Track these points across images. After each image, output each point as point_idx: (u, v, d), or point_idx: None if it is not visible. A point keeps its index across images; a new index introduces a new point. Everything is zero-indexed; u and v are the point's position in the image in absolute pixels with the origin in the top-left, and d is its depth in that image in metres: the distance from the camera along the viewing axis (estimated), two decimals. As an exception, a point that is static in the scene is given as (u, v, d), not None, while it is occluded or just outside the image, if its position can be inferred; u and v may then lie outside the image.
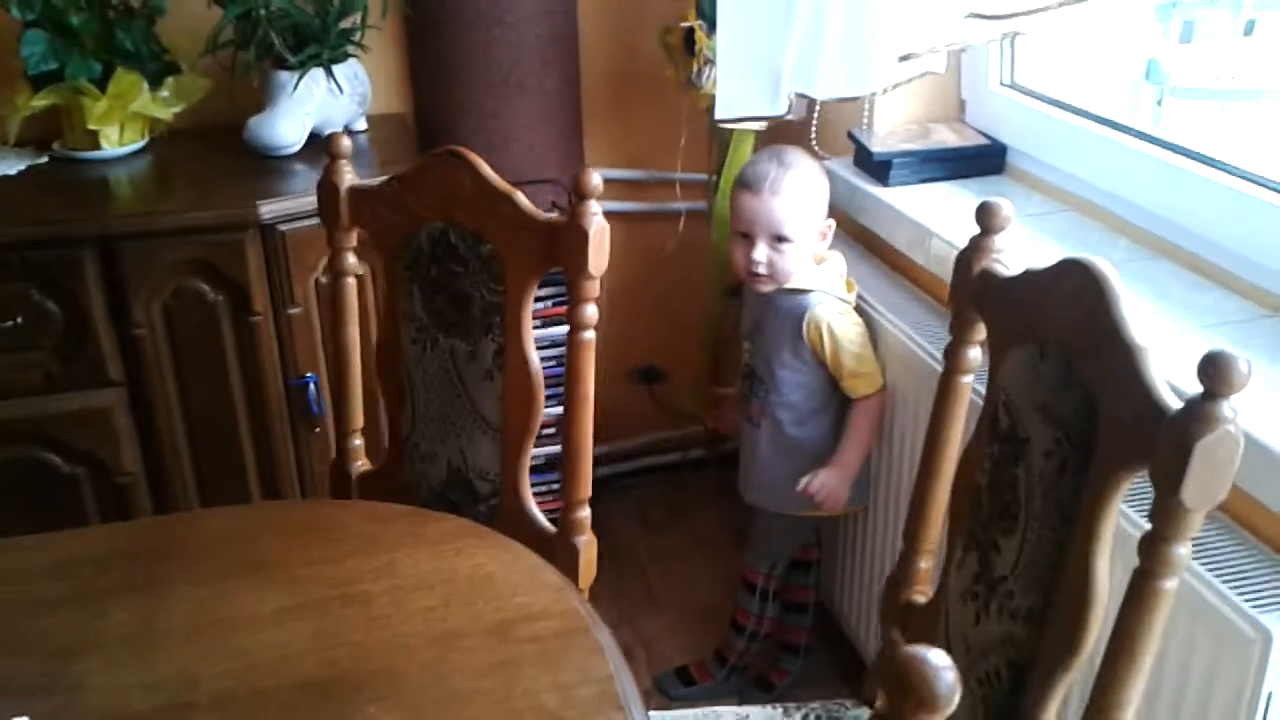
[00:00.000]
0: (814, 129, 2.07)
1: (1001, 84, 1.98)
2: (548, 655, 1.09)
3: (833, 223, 1.85)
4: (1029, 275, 1.11)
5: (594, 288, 1.35)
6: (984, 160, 1.96)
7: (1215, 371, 0.86)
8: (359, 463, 1.59)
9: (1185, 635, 1.22)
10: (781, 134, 2.28)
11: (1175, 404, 0.90)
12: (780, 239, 1.79)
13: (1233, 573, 1.21)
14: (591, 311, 1.36)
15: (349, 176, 1.49)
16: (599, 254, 1.32)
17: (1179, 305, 1.48)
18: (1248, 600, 1.16)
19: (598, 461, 2.61)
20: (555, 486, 2.25)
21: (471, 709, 1.03)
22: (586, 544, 1.42)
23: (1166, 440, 0.89)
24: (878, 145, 1.97)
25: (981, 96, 2.01)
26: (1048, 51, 1.96)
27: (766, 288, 1.83)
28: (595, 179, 1.31)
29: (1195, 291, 1.52)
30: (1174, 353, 1.35)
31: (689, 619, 2.30)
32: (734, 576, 2.12)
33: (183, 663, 1.08)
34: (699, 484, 2.63)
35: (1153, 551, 0.92)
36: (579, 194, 1.31)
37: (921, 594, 1.32)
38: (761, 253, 1.80)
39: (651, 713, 1.42)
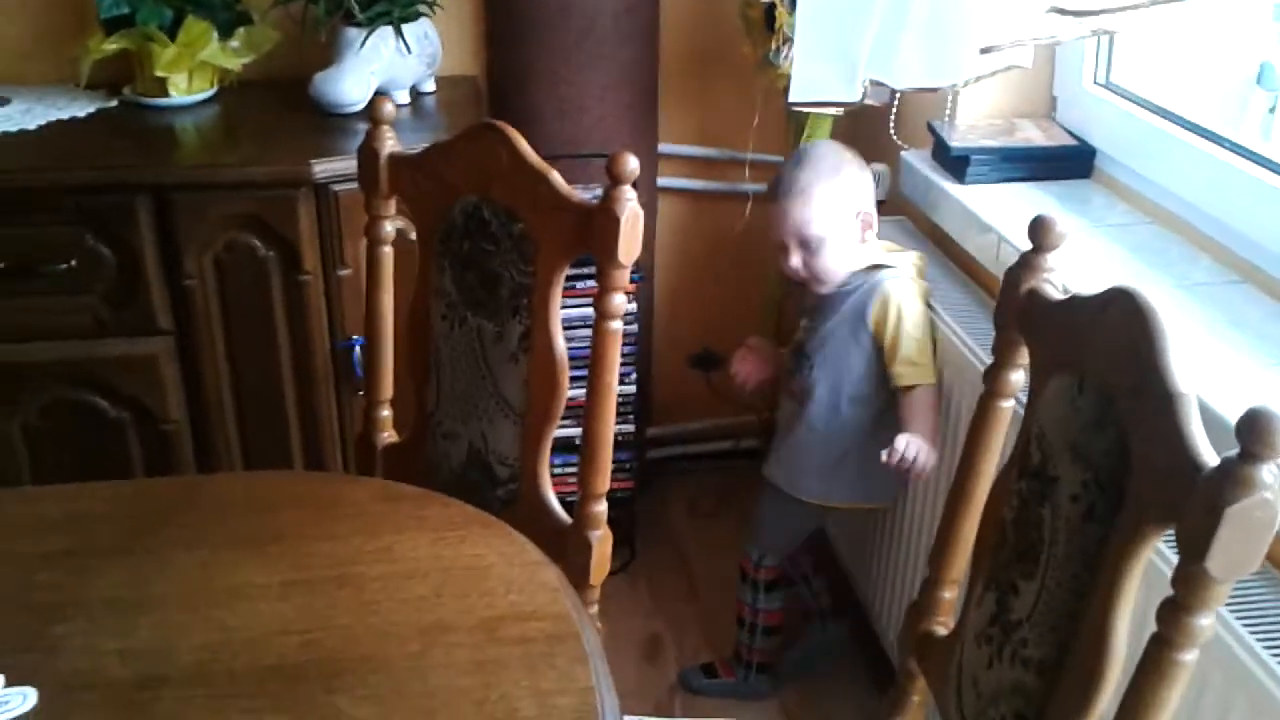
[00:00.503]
0: (893, 117, 1.97)
1: (1096, 83, 1.87)
2: (532, 659, 1.05)
3: (872, 214, 1.75)
4: (1075, 301, 1.02)
5: (624, 276, 1.29)
6: (1070, 163, 1.85)
7: (1255, 431, 0.77)
8: (385, 434, 1.56)
9: (1219, 699, 1.14)
10: (859, 120, 2.20)
11: (1212, 461, 0.82)
12: (807, 242, 1.73)
13: (1277, 634, 1.11)
14: (620, 300, 1.30)
15: (390, 143, 1.45)
16: (630, 241, 1.27)
17: (1255, 336, 1.38)
18: (1292, 670, 1.07)
19: (651, 444, 2.58)
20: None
21: (446, 710, 1.00)
22: (601, 539, 1.38)
23: (1196, 501, 0.81)
24: (957, 139, 1.87)
25: (1074, 95, 1.90)
26: (1150, 51, 1.84)
27: (822, 290, 1.77)
28: (632, 163, 1.26)
29: (1275, 322, 1.41)
30: (1237, 390, 1.26)
31: (725, 613, 2.24)
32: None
33: (164, 632, 1.07)
34: (751, 474, 2.56)
35: (1172, 620, 0.84)
36: (614, 178, 1.26)
37: (942, 625, 1.25)
38: (796, 259, 1.75)
39: (631, 718, 1.38)
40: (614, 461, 2.24)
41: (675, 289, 2.53)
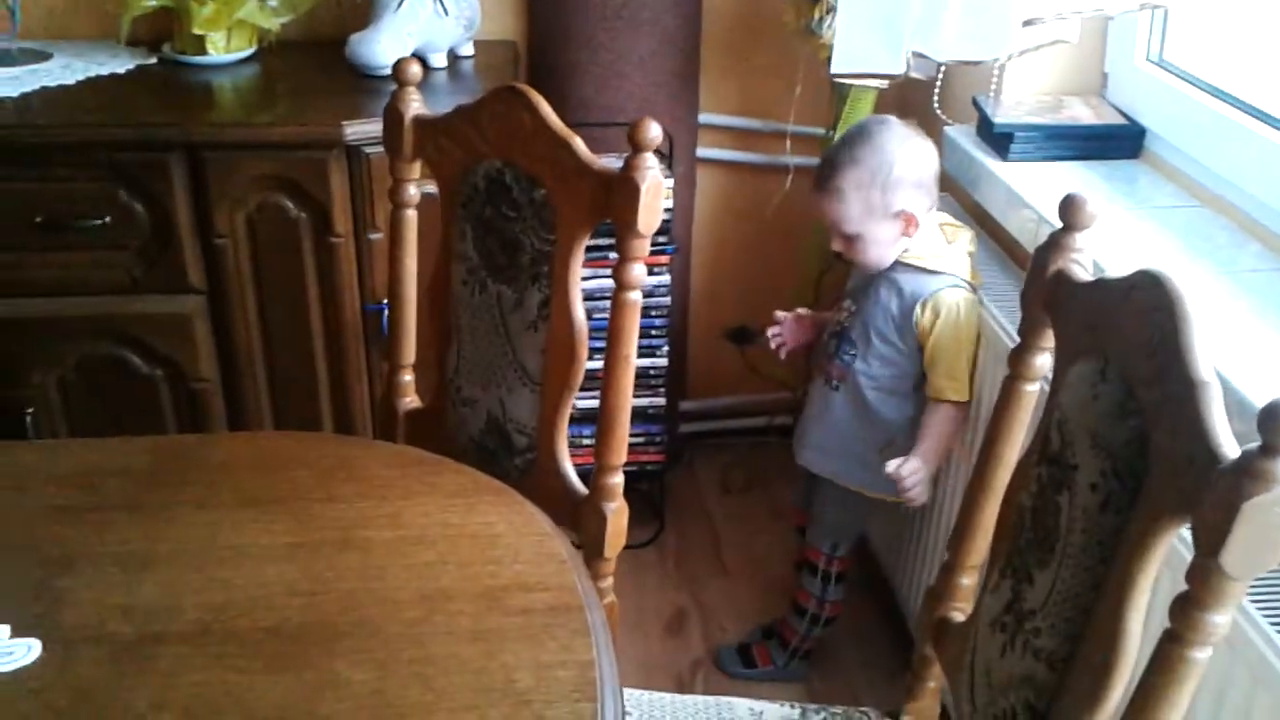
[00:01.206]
0: (937, 91, 1.93)
1: (1148, 60, 1.81)
2: (533, 630, 1.04)
3: (918, 211, 1.67)
4: (1102, 283, 0.99)
5: (644, 246, 1.27)
6: (1118, 142, 1.80)
7: (1277, 424, 0.74)
8: (407, 399, 1.56)
9: (1243, 697, 1.10)
10: (904, 93, 2.15)
11: (1232, 453, 0.78)
12: (846, 236, 1.70)
13: (1307, 637, 1.07)
14: (639, 271, 1.28)
15: (416, 105, 1.44)
16: (650, 211, 1.24)
17: (1302, 326, 1.33)
18: (1317, 672, 1.03)
19: (684, 417, 2.56)
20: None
21: (443, 678, 0.99)
22: (616, 511, 1.36)
23: (1213, 494, 0.77)
24: (1002, 115, 1.83)
25: (1125, 72, 1.84)
26: (1206, 27, 1.77)
27: (869, 271, 1.73)
28: (654, 130, 1.23)
29: (1324, 312, 1.36)
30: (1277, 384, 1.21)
31: (752, 589, 2.23)
32: (797, 554, 2.03)
33: (168, 589, 1.07)
34: (783, 452, 2.52)
35: (1185, 616, 0.81)
36: (636, 145, 1.23)
37: (960, 611, 1.22)
38: (839, 244, 1.72)
39: (641, 692, 1.37)
40: (645, 434, 2.27)
41: (713, 261, 2.50)
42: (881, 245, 1.69)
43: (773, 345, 1.95)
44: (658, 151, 2.09)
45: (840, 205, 1.68)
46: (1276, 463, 0.74)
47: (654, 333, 2.18)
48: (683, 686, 2.02)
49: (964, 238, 1.74)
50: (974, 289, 1.71)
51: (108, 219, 1.79)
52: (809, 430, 1.88)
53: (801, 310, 1.97)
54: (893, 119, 1.72)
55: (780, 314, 1.94)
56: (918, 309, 1.68)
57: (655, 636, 2.12)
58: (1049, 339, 1.08)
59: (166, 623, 1.03)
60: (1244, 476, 0.75)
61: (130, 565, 1.10)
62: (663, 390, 2.23)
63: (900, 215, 1.67)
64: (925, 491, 1.73)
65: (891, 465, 1.70)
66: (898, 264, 1.72)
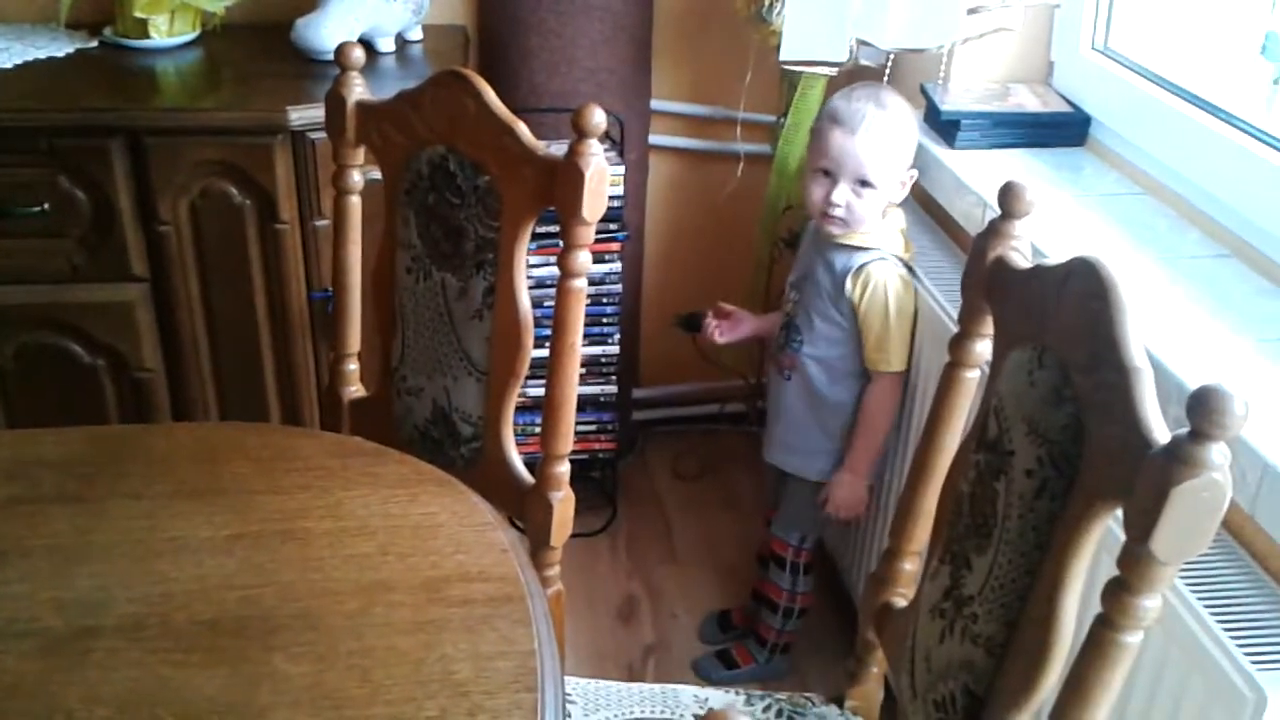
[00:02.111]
0: (886, 78, 1.93)
1: (1094, 48, 1.82)
2: (473, 620, 1.03)
3: (915, 173, 1.72)
4: (1040, 270, 0.99)
5: (588, 233, 1.26)
6: (1064, 130, 1.81)
7: (1205, 410, 0.74)
8: (352, 388, 1.54)
9: (1178, 679, 1.11)
10: (854, 80, 2.15)
11: (1163, 439, 0.79)
12: (864, 182, 1.67)
13: (1241, 620, 1.09)
14: (584, 259, 1.27)
15: (359, 90, 1.42)
16: (595, 198, 1.24)
17: (1240, 312, 1.34)
18: (1249, 654, 1.04)
19: (636, 405, 2.56)
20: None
21: (381, 670, 0.98)
22: (563, 500, 1.35)
23: (1143, 479, 0.78)
24: (949, 103, 1.83)
25: (1070, 60, 1.85)
26: (1151, 16, 1.79)
27: (837, 230, 1.71)
28: (598, 116, 1.22)
29: (1262, 298, 1.37)
30: (1219, 366, 1.23)
31: (704, 575, 2.24)
32: (761, 546, 2.03)
33: (102, 582, 1.05)
34: (736, 439, 2.55)
35: (1116, 601, 0.82)
36: (580, 131, 1.22)
37: (902, 597, 1.22)
38: (842, 194, 1.67)
39: (587, 681, 1.36)
40: (597, 422, 2.26)
41: (666, 248, 2.50)
42: (879, 202, 1.69)
43: (710, 331, 1.96)
44: (609, 137, 2.13)
45: (874, 149, 1.65)
46: (1205, 448, 0.75)
47: (605, 320, 2.17)
48: (634, 674, 2.02)
49: (895, 214, 1.75)
50: (906, 265, 1.72)
51: (47, 206, 1.76)
52: (771, 427, 1.89)
53: (743, 313, 1.97)
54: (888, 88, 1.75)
55: (726, 306, 1.96)
56: (848, 283, 1.70)
57: (607, 624, 2.12)
58: (988, 325, 1.09)
59: (100, 616, 1.01)
60: (1173, 462, 0.76)
61: (65, 558, 1.08)
62: (614, 378, 2.23)
63: (905, 180, 1.70)
64: (861, 503, 1.81)
65: (822, 496, 1.80)
66: (830, 244, 1.73)
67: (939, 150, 1.79)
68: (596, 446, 2.29)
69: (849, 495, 1.79)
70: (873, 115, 1.66)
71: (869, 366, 1.73)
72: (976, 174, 1.70)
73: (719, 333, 1.95)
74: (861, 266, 1.70)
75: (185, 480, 1.20)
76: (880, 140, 1.65)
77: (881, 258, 1.70)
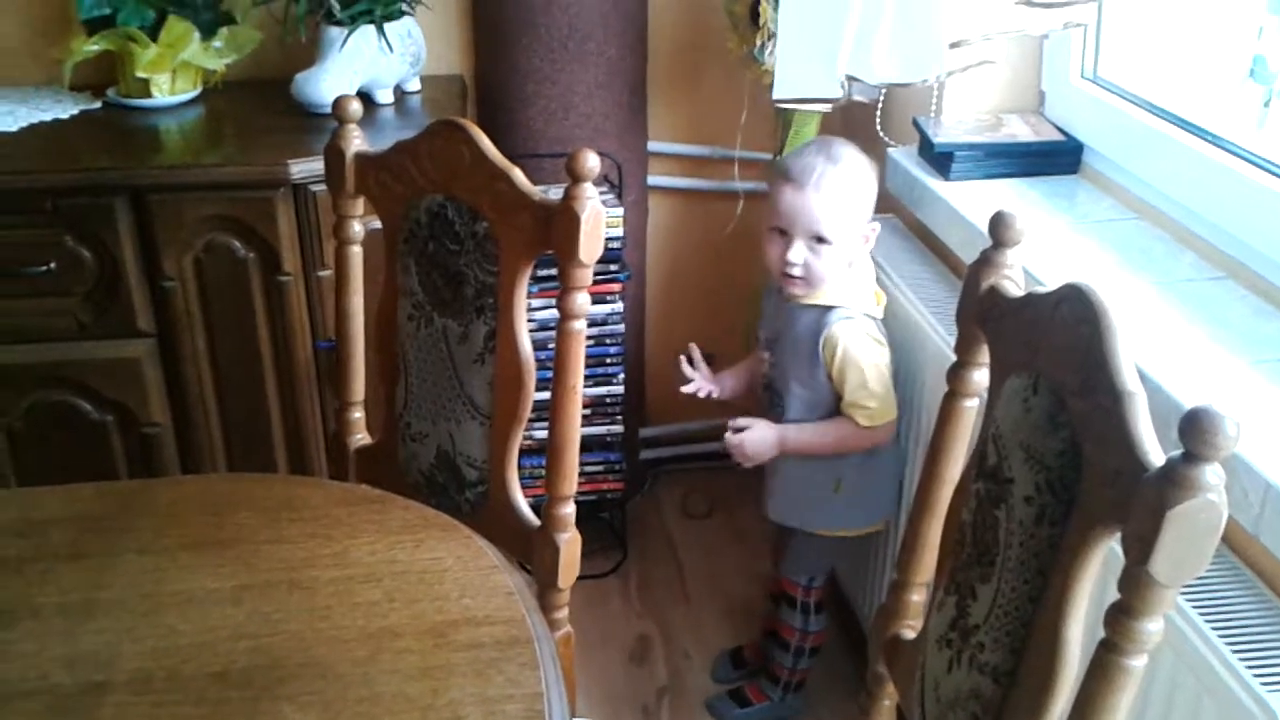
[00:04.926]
0: (879, 114, 1.95)
1: (1083, 77, 1.84)
2: (480, 665, 1.03)
3: (877, 226, 1.71)
4: (1032, 298, 1.00)
5: (586, 275, 1.27)
6: (1057, 158, 1.82)
7: (1197, 431, 0.75)
8: (358, 436, 1.55)
9: (1189, 702, 1.11)
10: (849, 116, 2.17)
11: (1158, 462, 0.79)
12: (820, 239, 1.66)
13: (1250, 642, 1.08)
14: (583, 300, 1.29)
15: (357, 142, 1.44)
16: (591, 240, 1.25)
17: (1237, 334, 1.35)
18: (1258, 675, 1.04)
19: (643, 444, 2.57)
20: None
21: (389, 717, 0.98)
22: (569, 542, 1.36)
23: (1139, 503, 0.78)
24: (942, 135, 1.85)
25: (1061, 89, 1.87)
26: (1139, 44, 1.80)
27: (798, 290, 1.70)
28: (592, 160, 1.24)
29: (1258, 319, 1.38)
30: (1218, 388, 1.23)
31: (716, 613, 2.23)
32: (772, 584, 2.03)
33: (111, 637, 1.06)
34: (744, 476, 2.52)
35: (1118, 625, 0.82)
36: (574, 176, 1.24)
37: (910, 629, 1.22)
38: (799, 252, 1.66)
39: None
40: (604, 462, 2.26)
41: (669, 288, 2.51)
42: (839, 258, 1.67)
43: (701, 394, 1.89)
44: (608, 180, 2.15)
45: (823, 202, 1.63)
46: (1199, 469, 0.76)
47: (609, 360, 2.18)
48: (648, 716, 2.01)
49: (864, 267, 1.74)
50: (877, 318, 1.71)
51: (53, 265, 1.78)
52: (767, 482, 1.87)
53: (722, 374, 1.92)
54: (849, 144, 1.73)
55: (689, 371, 1.87)
56: (820, 348, 1.69)
57: (619, 666, 2.12)
58: (985, 354, 1.10)
59: (109, 672, 1.02)
60: (1168, 484, 0.76)
61: (73, 614, 1.08)
62: (620, 418, 2.24)
63: (863, 236, 1.69)
64: (755, 457, 1.75)
65: (740, 421, 1.74)
66: (801, 309, 1.72)
67: (933, 182, 1.80)
68: (605, 487, 2.29)
69: (759, 445, 1.74)
70: (823, 170, 1.64)
71: (845, 414, 1.71)
72: (971, 205, 1.71)
73: (711, 394, 1.90)
74: (828, 329, 1.68)
75: (192, 533, 1.21)
76: (832, 195, 1.64)
77: (848, 316, 1.68)
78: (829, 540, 1.85)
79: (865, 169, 1.69)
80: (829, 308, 1.69)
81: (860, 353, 1.68)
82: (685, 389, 1.87)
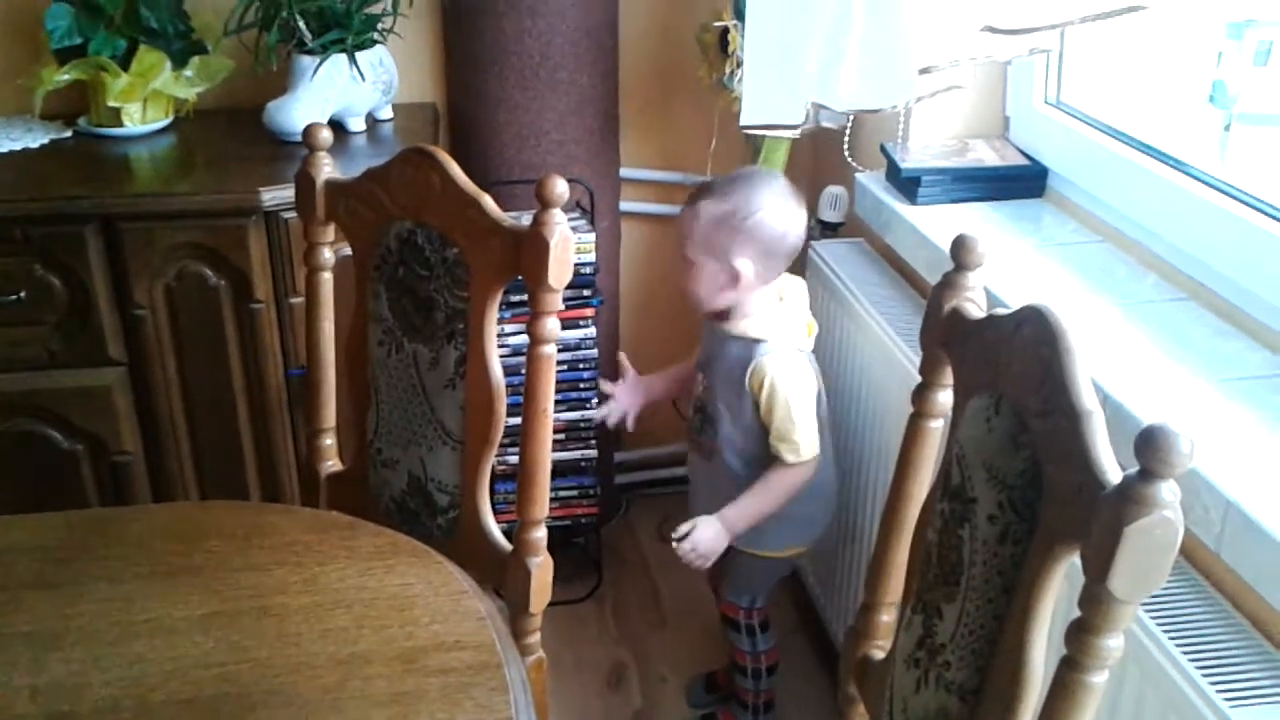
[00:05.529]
0: (846, 139, 1.97)
1: (1046, 102, 1.86)
2: (450, 690, 1.04)
3: (748, 265, 1.67)
4: (992, 320, 1.02)
5: (555, 300, 1.28)
6: (1022, 182, 1.85)
7: (1153, 449, 0.76)
8: (329, 463, 1.55)
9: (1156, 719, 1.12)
10: (819, 142, 2.20)
11: (1116, 480, 0.81)
12: (684, 257, 1.70)
13: (1214, 659, 1.10)
14: (552, 325, 1.29)
15: (327, 169, 1.45)
16: (561, 266, 1.26)
17: (1199, 353, 1.36)
18: (1222, 692, 1.05)
19: (618, 469, 2.57)
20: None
21: (359, 742, 0.98)
22: (540, 566, 1.36)
23: (1097, 520, 0.79)
24: (909, 160, 1.87)
25: (1025, 114, 1.89)
26: (1100, 70, 1.84)
27: (701, 311, 1.74)
28: (560, 186, 1.25)
29: (1219, 339, 1.40)
30: (1180, 407, 1.25)
31: (692, 638, 2.23)
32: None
33: (78, 666, 1.05)
34: (723, 503, 2.54)
35: (1079, 642, 0.83)
36: (543, 202, 1.25)
37: (880, 649, 1.23)
38: (678, 269, 1.72)
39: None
40: (578, 487, 2.27)
41: (642, 313, 2.52)
42: (706, 287, 1.70)
43: (605, 419, 1.94)
44: (580, 206, 2.16)
45: (690, 225, 1.68)
46: (1155, 486, 0.77)
47: (583, 385, 2.19)
48: (624, 740, 2.01)
49: (795, 299, 1.76)
50: (800, 348, 1.73)
51: (23, 294, 1.78)
52: (696, 504, 1.87)
53: (637, 377, 1.96)
54: (782, 182, 1.72)
55: (606, 386, 1.94)
56: (747, 381, 1.70)
57: (596, 692, 2.11)
58: (949, 376, 1.11)
59: (75, 701, 1.01)
60: (1125, 501, 0.77)
61: (40, 644, 1.08)
62: (594, 442, 2.24)
63: (731, 271, 1.68)
64: (708, 555, 1.76)
65: (676, 532, 1.75)
66: (729, 337, 1.73)
67: (901, 207, 1.82)
68: (579, 512, 2.29)
69: (711, 543, 1.75)
70: (710, 193, 1.69)
71: (774, 454, 1.72)
72: (937, 228, 1.73)
73: (615, 416, 1.93)
74: (755, 363, 1.69)
75: (161, 561, 1.20)
76: (699, 219, 1.67)
77: (772, 350, 1.69)
78: (765, 561, 1.86)
79: (758, 209, 1.67)
80: (756, 340, 1.70)
81: (786, 388, 1.69)
82: (596, 415, 1.92)
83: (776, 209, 1.68)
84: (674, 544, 1.76)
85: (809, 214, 2.11)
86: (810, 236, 2.10)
